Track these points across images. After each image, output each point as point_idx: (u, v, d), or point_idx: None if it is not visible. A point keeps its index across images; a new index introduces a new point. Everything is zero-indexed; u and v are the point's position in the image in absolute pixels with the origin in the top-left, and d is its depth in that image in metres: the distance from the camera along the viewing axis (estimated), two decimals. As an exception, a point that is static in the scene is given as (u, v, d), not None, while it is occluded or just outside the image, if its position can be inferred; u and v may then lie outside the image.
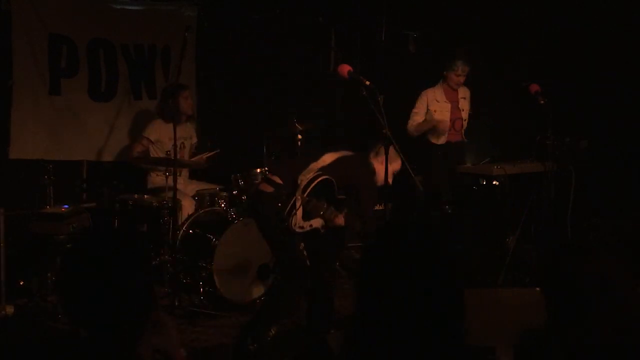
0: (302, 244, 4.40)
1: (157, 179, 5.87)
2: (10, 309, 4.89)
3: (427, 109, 6.24)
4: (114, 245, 1.76)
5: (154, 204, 5.36)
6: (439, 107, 6.24)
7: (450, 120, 6.26)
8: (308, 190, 4.20)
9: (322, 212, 4.26)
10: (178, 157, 5.28)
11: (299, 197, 4.17)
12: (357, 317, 1.57)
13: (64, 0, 6.15)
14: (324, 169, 4.28)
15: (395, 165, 4.37)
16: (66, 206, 5.22)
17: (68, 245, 5.06)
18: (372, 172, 4.45)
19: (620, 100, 6.46)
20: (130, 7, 6.52)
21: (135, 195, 5.54)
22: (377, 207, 7.06)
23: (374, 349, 1.52)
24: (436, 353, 1.50)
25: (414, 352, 1.50)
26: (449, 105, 6.27)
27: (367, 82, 4.12)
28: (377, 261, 1.57)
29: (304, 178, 4.22)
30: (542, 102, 5.29)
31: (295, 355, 4.36)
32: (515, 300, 3.90)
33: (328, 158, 4.34)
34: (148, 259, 1.88)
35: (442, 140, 6.27)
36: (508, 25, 7.09)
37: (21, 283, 5.19)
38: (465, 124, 6.33)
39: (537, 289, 4.49)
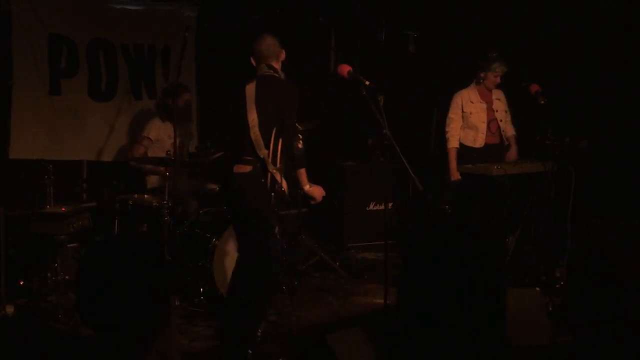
0: (277, 227, 4.41)
1: (153, 178, 5.88)
2: (10, 309, 4.89)
3: (463, 111, 6.05)
4: (136, 250, 1.74)
5: (154, 204, 5.36)
6: (474, 109, 6.05)
7: (486, 122, 6.07)
8: (278, 160, 4.20)
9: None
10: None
11: (276, 171, 4.19)
12: (399, 321, 1.55)
13: (64, 0, 6.15)
14: (261, 121, 4.23)
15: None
16: (66, 206, 5.22)
17: (72, 244, 5.08)
18: (292, 87, 4.37)
19: (620, 100, 6.46)
20: (130, 7, 6.52)
21: (135, 195, 5.54)
22: (376, 207, 7.11)
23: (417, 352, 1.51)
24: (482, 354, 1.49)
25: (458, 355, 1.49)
26: (484, 106, 6.07)
27: (367, 82, 4.12)
28: (422, 266, 1.55)
29: (263, 153, 4.19)
30: (542, 102, 5.29)
31: (295, 355, 4.36)
32: (515, 300, 3.90)
33: (252, 108, 4.28)
34: (167, 267, 1.86)
35: (478, 144, 6.05)
36: (508, 25, 7.09)
37: (21, 283, 5.19)
38: (501, 124, 6.12)
39: (537, 289, 4.51)
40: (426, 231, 1.63)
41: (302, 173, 4.39)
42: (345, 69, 4.25)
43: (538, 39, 6.99)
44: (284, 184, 4.25)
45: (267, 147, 4.19)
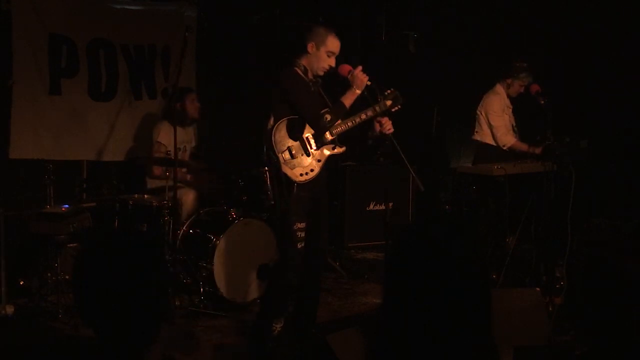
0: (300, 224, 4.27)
1: (155, 175, 5.87)
2: (10, 309, 4.89)
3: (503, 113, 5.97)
4: (135, 249, 1.72)
5: (154, 204, 5.36)
6: (508, 112, 6.00)
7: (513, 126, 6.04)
8: (276, 151, 4.15)
9: (314, 146, 4.24)
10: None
11: (282, 162, 4.15)
12: (383, 318, 1.55)
13: (64, 0, 6.15)
14: (275, 116, 4.22)
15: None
16: (66, 206, 5.22)
17: (72, 244, 5.07)
18: (293, 75, 4.25)
19: (620, 100, 6.46)
20: (130, 7, 6.52)
21: (136, 195, 5.53)
22: (376, 207, 7.11)
23: (401, 351, 1.51)
24: (465, 353, 1.49)
25: (442, 353, 1.48)
26: (510, 110, 6.03)
27: (368, 82, 4.12)
28: (406, 262, 1.54)
29: (267, 145, 4.23)
30: (542, 102, 5.29)
31: (296, 355, 4.36)
32: (515, 300, 3.90)
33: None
34: (167, 268, 1.84)
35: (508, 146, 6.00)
36: (508, 25, 7.09)
37: (21, 283, 5.19)
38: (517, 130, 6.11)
39: (537, 289, 4.50)
40: (410, 229, 1.63)
41: (346, 99, 4.22)
42: (345, 68, 4.24)
43: (538, 38, 7.00)
44: (289, 170, 4.14)
45: (268, 144, 4.21)
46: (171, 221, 5.23)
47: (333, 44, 4.24)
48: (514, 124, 6.06)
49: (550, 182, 5.15)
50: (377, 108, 4.25)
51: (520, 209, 5.49)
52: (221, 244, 5.19)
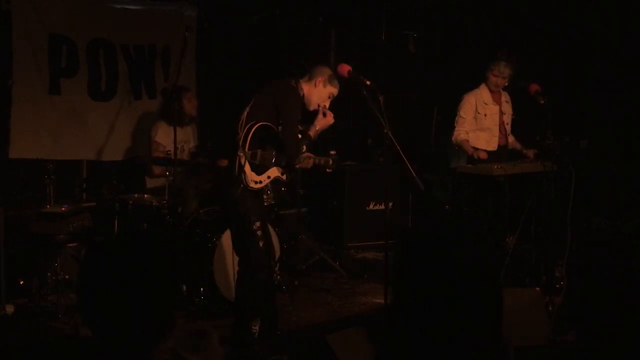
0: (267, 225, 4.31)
1: (154, 175, 5.87)
2: (10, 309, 4.89)
3: (477, 113, 5.88)
4: (143, 249, 1.70)
5: (154, 203, 5.36)
6: (488, 111, 5.89)
7: (499, 125, 5.94)
8: (247, 144, 4.13)
9: (273, 160, 4.24)
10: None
11: (241, 154, 4.12)
12: (393, 321, 1.55)
13: (64, 0, 6.15)
14: (251, 111, 4.22)
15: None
16: (66, 206, 5.22)
17: (72, 243, 5.07)
18: (296, 95, 4.32)
19: (620, 100, 6.46)
20: (130, 7, 6.52)
21: (135, 195, 5.54)
22: (376, 207, 7.11)
23: (407, 352, 1.51)
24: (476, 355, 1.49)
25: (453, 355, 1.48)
26: (497, 108, 5.93)
27: (368, 82, 4.12)
28: (415, 265, 1.54)
29: (240, 133, 4.18)
30: (542, 102, 5.28)
31: (295, 355, 4.36)
32: (515, 300, 3.90)
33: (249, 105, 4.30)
34: (174, 266, 1.82)
35: (492, 147, 5.90)
36: (508, 25, 7.09)
37: (21, 283, 5.19)
38: (508, 127, 6.02)
39: (537, 288, 4.50)
40: (422, 230, 1.63)
41: (312, 133, 4.34)
42: (345, 68, 4.25)
43: (538, 38, 7.00)
44: (247, 170, 4.14)
45: (241, 131, 4.18)
46: (171, 221, 5.23)
47: (336, 89, 4.45)
48: (508, 122, 6.02)
49: (550, 182, 5.15)
50: (321, 161, 4.53)
51: (520, 209, 5.49)
52: (221, 244, 5.19)
